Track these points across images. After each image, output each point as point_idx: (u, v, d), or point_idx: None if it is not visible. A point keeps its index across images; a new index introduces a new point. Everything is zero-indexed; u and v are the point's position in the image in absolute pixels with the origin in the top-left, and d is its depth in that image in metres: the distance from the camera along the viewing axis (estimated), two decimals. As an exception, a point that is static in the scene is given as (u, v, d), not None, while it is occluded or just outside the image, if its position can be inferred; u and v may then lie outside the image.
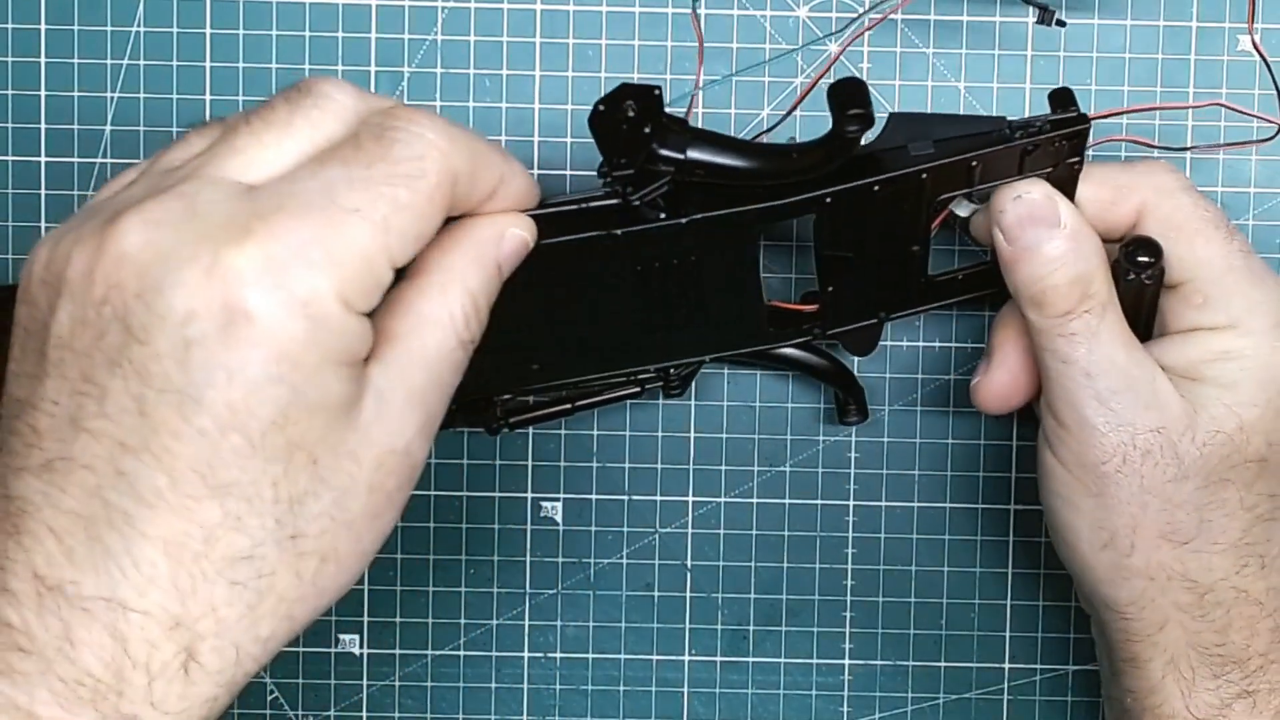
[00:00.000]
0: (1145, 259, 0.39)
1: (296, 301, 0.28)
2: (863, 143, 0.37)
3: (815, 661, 0.47)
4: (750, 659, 0.47)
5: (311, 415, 0.28)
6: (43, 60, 0.45)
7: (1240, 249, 0.39)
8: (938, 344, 0.46)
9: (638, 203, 0.36)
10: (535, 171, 0.45)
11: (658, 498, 0.46)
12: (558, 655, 0.47)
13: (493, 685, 0.47)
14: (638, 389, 0.43)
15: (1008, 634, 0.46)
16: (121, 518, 0.28)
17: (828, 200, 0.38)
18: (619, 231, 0.37)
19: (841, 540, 0.46)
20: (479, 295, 0.32)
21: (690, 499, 0.46)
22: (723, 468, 0.46)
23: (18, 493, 0.28)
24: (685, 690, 0.47)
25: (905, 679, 0.47)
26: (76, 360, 0.28)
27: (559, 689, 0.47)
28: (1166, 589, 0.38)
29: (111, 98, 0.45)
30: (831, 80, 0.37)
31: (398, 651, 0.46)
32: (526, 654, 0.46)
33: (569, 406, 0.43)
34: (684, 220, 0.37)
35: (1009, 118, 0.39)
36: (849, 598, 0.46)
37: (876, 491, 0.46)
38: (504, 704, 0.47)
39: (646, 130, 0.35)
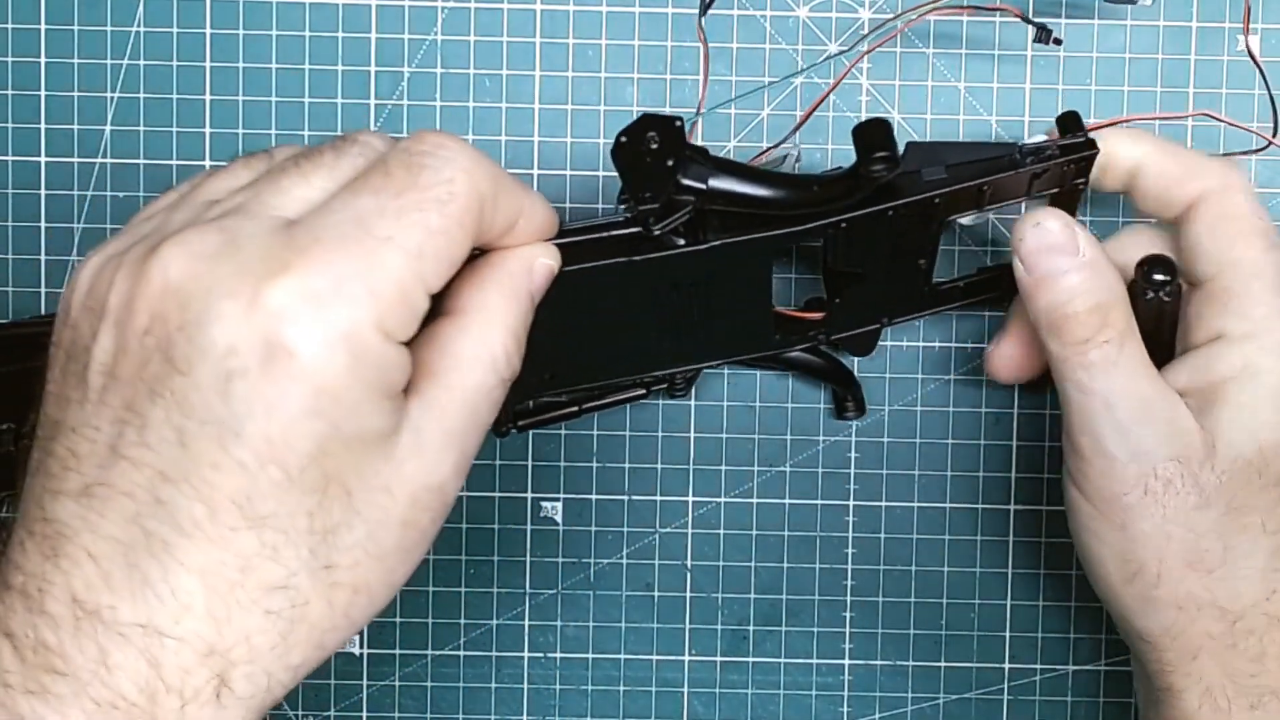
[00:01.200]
0: (1161, 276, 0.39)
1: (336, 335, 0.28)
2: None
3: (815, 661, 0.47)
4: (750, 659, 0.47)
5: (348, 448, 0.29)
6: (43, 60, 0.45)
7: (1276, 262, 0.39)
8: (938, 344, 0.46)
9: (660, 232, 0.37)
10: (535, 172, 0.45)
11: (658, 498, 0.46)
12: (558, 655, 0.47)
13: (493, 685, 0.47)
14: (643, 391, 0.43)
15: (1008, 634, 0.46)
16: (160, 546, 0.28)
17: (843, 225, 0.39)
18: (639, 258, 0.37)
19: (841, 540, 0.46)
20: (518, 331, 0.33)
21: (690, 499, 0.46)
22: (723, 468, 0.46)
23: (56, 515, 0.28)
24: (685, 690, 0.47)
25: (905, 679, 0.47)
26: (118, 388, 0.29)
27: (559, 689, 0.47)
28: (1197, 618, 0.38)
29: (111, 98, 0.45)
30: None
31: (398, 651, 0.46)
32: (526, 654, 0.46)
33: (576, 409, 0.43)
34: (704, 247, 0.38)
35: (1019, 143, 0.39)
36: (849, 598, 0.46)
37: (876, 491, 0.46)
38: (504, 704, 0.47)
39: (670, 163, 0.36)
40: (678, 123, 0.36)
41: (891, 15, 0.44)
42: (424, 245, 0.29)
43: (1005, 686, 0.47)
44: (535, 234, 0.34)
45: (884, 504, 0.46)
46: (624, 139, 0.36)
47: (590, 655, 0.46)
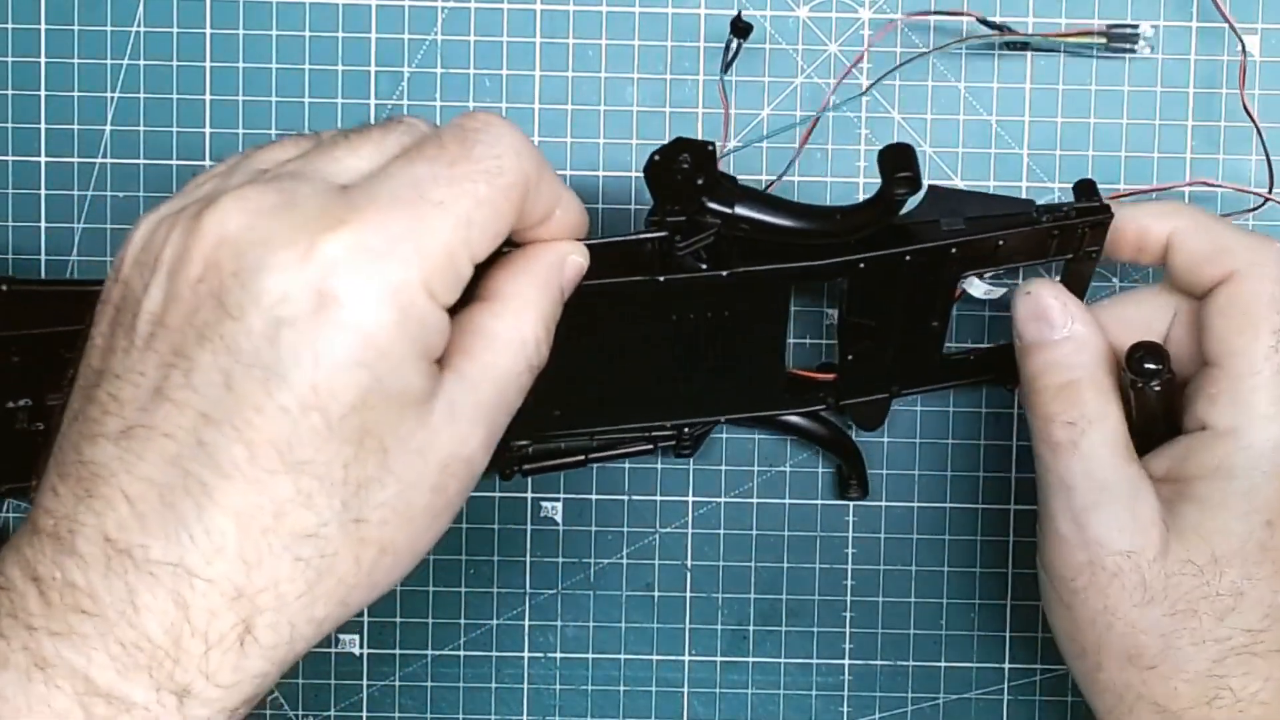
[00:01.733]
0: (1151, 366, 0.38)
1: (386, 289, 0.29)
2: (901, 212, 0.38)
3: (815, 661, 0.47)
4: (750, 659, 0.47)
5: (388, 403, 0.29)
6: (43, 60, 0.45)
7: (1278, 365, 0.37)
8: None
9: (684, 251, 0.37)
10: (535, 171, 0.45)
11: (658, 498, 0.46)
12: (558, 655, 0.47)
13: (493, 685, 0.47)
14: (650, 445, 0.44)
15: (1008, 634, 0.46)
16: (198, 486, 0.28)
17: (861, 265, 0.39)
18: (661, 278, 0.38)
19: (841, 540, 0.46)
20: (549, 320, 0.33)
21: (690, 499, 0.46)
22: (723, 468, 0.46)
23: (92, 458, 0.29)
24: (685, 690, 0.47)
25: (905, 679, 0.47)
26: (166, 334, 0.29)
27: (559, 689, 0.47)
28: (1135, 708, 0.37)
29: (111, 98, 0.45)
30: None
31: (398, 651, 0.46)
32: (526, 654, 0.46)
33: (582, 458, 0.43)
34: (725, 273, 0.38)
35: (1037, 202, 0.40)
36: (849, 598, 0.46)
37: (876, 492, 0.46)
38: (504, 704, 0.47)
39: (699, 182, 0.37)
40: (710, 146, 0.37)
41: (891, 15, 0.44)
42: (473, 214, 0.30)
43: (1005, 686, 0.47)
44: (568, 230, 0.34)
45: (884, 504, 0.46)
46: (657, 158, 0.37)
47: (590, 655, 0.46)
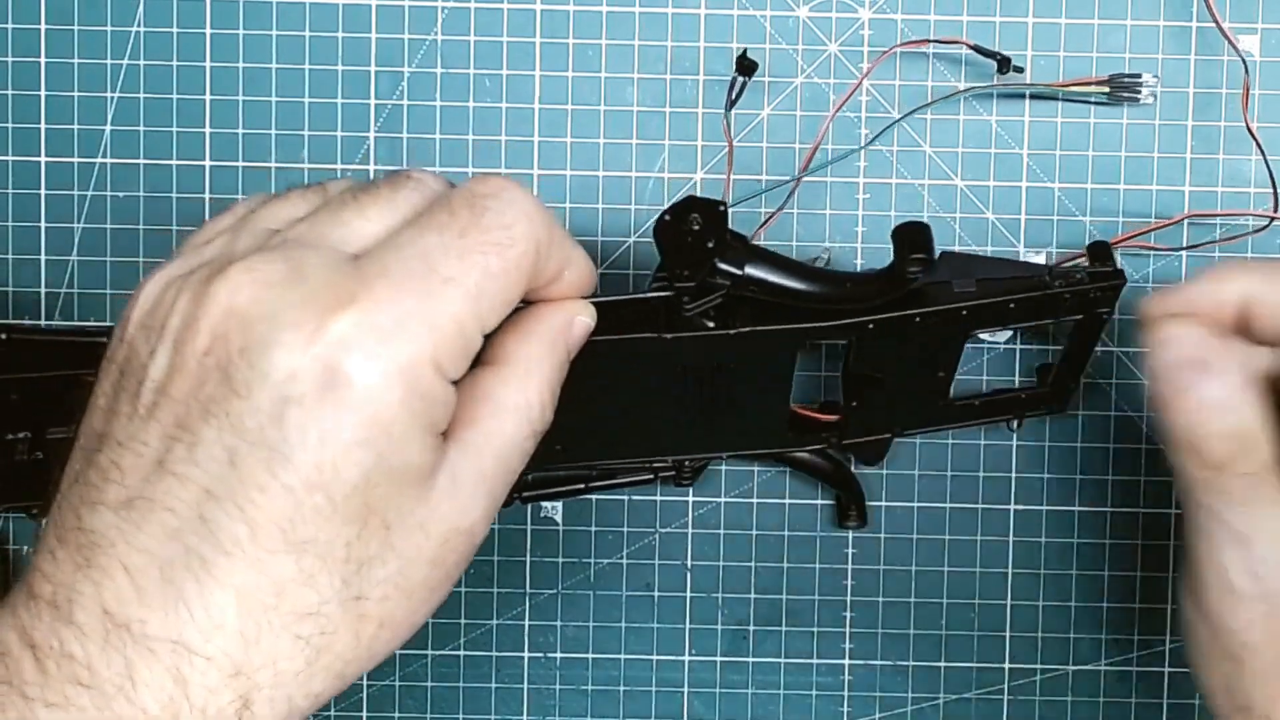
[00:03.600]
0: None
1: (395, 369, 0.28)
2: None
3: (815, 661, 0.47)
4: (750, 659, 0.47)
5: (392, 481, 0.29)
6: (43, 60, 0.45)
7: None
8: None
9: (692, 312, 0.37)
10: (535, 172, 0.45)
11: (658, 498, 0.46)
12: (558, 655, 0.47)
13: (493, 685, 0.47)
14: (650, 476, 0.44)
15: (1008, 634, 0.46)
16: (198, 562, 0.28)
17: (870, 325, 0.39)
18: (669, 335, 0.38)
19: (841, 540, 0.46)
20: (554, 384, 0.33)
21: (690, 499, 0.46)
22: (722, 468, 0.46)
23: (92, 525, 0.29)
24: (685, 690, 0.47)
25: (905, 679, 0.47)
26: (171, 405, 0.29)
27: (559, 689, 0.47)
28: None
29: (111, 98, 0.45)
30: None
31: (398, 651, 0.46)
32: (526, 654, 0.46)
33: (582, 487, 0.43)
34: (732, 332, 0.38)
35: (1049, 265, 0.40)
36: (849, 598, 0.46)
37: (877, 492, 0.46)
38: (504, 704, 0.47)
39: (710, 244, 0.37)
40: (721, 207, 0.37)
41: (891, 15, 0.44)
42: (483, 287, 0.30)
43: (1005, 686, 0.47)
44: (577, 288, 0.34)
45: (884, 504, 0.46)
46: (667, 217, 0.37)
47: (590, 655, 0.46)
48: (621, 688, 0.47)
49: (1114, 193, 0.45)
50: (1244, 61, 0.43)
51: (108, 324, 0.44)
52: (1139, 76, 0.44)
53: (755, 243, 0.39)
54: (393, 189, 0.32)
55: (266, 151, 0.45)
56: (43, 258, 0.45)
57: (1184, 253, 0.45)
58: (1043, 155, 0.45)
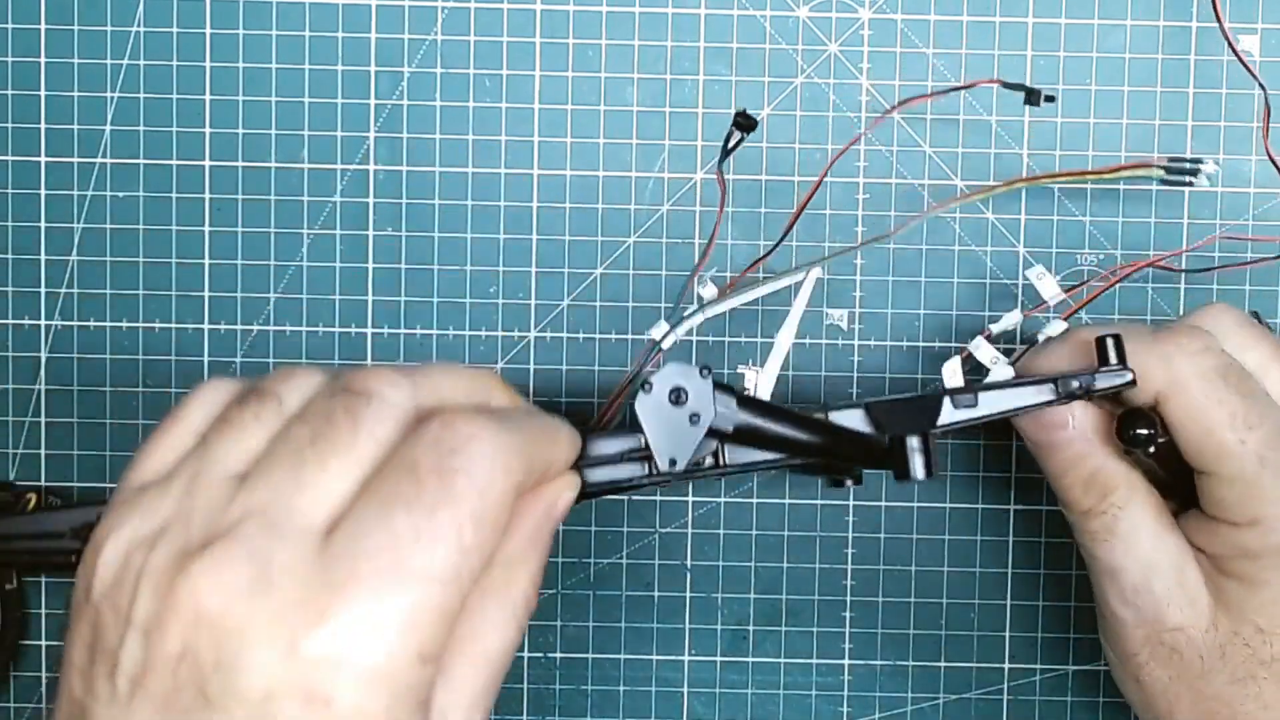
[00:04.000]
0: (1143, 432, 0.37)
1: (375, 678, 0.28)
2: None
3: (815, 661, 0.47)
4: (750, 659, 0.47)
5: None
6: (43, 60, 0.45)
7: (1259, 446, 0.36)
8: (937, 344, 0.46)
9: (683, 475, 0.36)
10: (535, 172, 0.45)
11: (658, 498, 0.46)
12: (558, 655, 0.47)
13: (493, 685, 0.47)
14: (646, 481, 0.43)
15: (1008, 634, 0.46)
16: None
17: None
18: (660, 473, 0.36)
19: (841, 540, 0.46)
20: (540, 573, 0.32)
21: (690, 499, 0.46)
22: (723, 468, 0.46)
23: None
24: (685, 690, 0.47)
25: (905, 679, 0.47)
26: (148, 699, 0.28)
27: (559, 689, 0.47)
28: None
29: (111, 98, 0.45)
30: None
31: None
32: (526, 654, 0.46)
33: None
34: (722, 468, 0.37)
35: (1057, 379, 0.38)
36: (849, 598, 0.46)
37: (876, 492, 0.46)
38: (504, 704, 0.47)
39: (696, 421, 0.34)
40: (704, 371, 0.34)
41: (891, 15, 0.44)
42: (460, 566, 0.29)
43: (1005, 686, 0.47)
44: (559, 472, 0.33)
45: (884, 504, 0.46)
46: (647, 388, 0.34)
47: (590, 655, 0.46)
48: (621, 688, 0.47)
49: (1114, 193, 0.45)
50: (1264, 89, 0.42)
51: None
52: (1200, 160, 0.42)
53: (747, 394, 0.37)
54: (353, 424, 0.30)
55: (266, 151, 0.45)
56: (43, 258, 0.45)
57: (1184, 253, 0.45)
58: (1043, 155, 0.45)
